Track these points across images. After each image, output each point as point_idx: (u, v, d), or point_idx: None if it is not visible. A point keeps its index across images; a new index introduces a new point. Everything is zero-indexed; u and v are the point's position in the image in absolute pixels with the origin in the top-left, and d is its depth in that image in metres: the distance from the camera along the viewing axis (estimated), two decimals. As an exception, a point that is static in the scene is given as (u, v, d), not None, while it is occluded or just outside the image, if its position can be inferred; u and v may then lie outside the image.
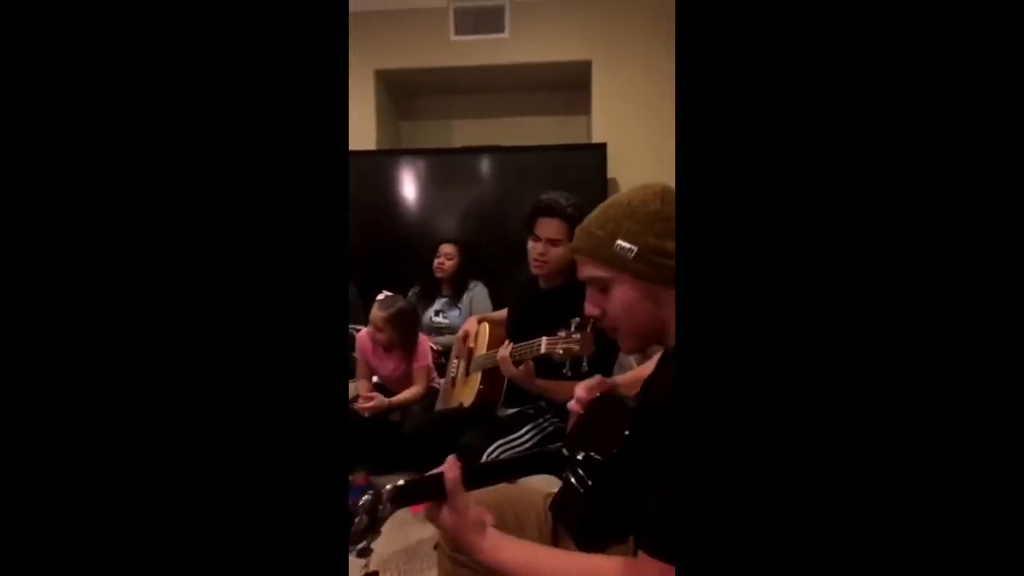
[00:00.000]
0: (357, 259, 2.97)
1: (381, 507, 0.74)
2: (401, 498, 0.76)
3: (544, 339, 1.30)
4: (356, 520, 0.72)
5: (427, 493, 0.81)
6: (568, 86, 3.31)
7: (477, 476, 0.81)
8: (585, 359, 1.24)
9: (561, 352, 1.24)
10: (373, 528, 0.74)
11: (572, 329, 1.25)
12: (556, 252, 1.45)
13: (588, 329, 1.22)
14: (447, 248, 2.53)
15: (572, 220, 1.43)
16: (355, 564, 0.72)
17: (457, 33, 3.13)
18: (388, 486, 0.76)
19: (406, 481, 0.77)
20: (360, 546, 0.73)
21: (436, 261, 2.51)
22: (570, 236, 1.45)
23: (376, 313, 2.05)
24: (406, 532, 1.52)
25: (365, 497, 0.75)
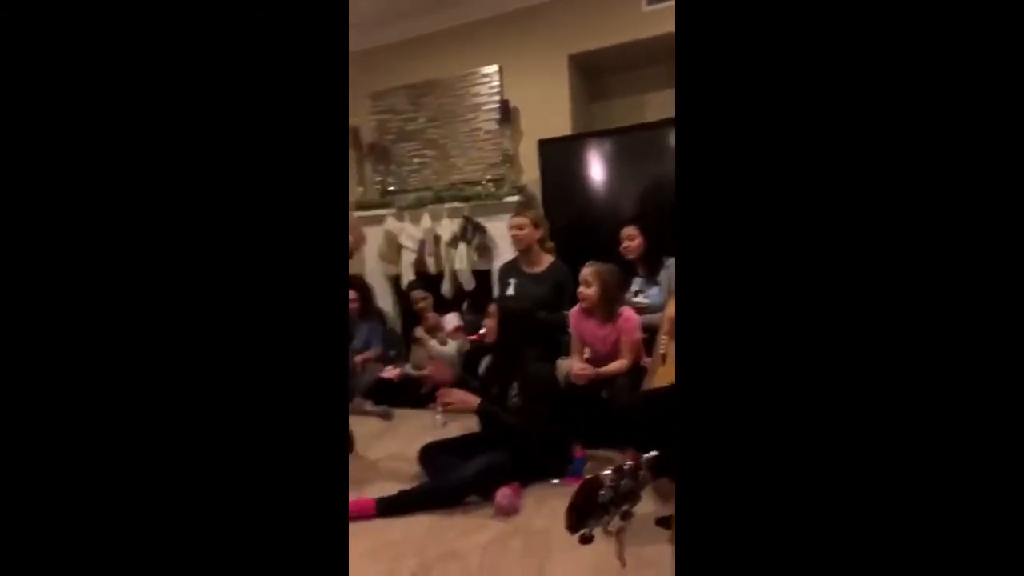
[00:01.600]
0: (559, 243, 3.10)
1: (641, 473, 0.79)
2: (658, 468, 0.80)
3: None
4: (612, 486, 0.78)
5: None
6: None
7: None
8: None
9: None
10: (636, 491, 0.79)
11: None
12: None
13: None
14: (628, 230, 2.53)
15: None
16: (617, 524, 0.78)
17: (650, 3, 3.03)
18: (646, 455, 0.80)
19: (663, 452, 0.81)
20: (623, 509, 0.79)
21: (621, 245, 2.53)
22: None
23: (584, 270, 2.17)
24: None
25: (628, 464, 0.80)
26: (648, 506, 1.57)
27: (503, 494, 1.70)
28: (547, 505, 1.72)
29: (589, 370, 2.07)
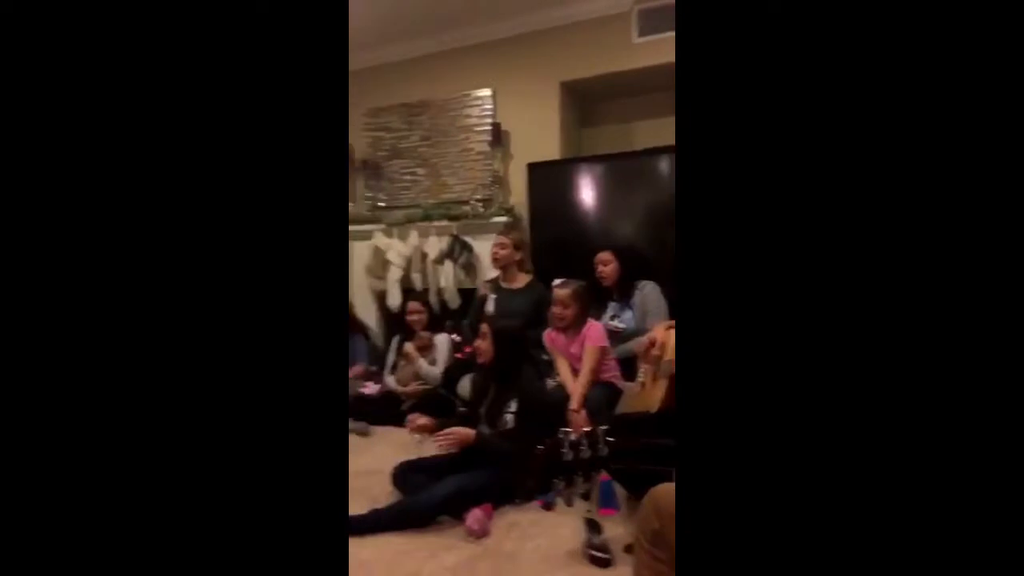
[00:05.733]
0: (539, 267, 3.14)
1: (600, 445, 0.88)
2: (617, 452, 0.89)
3: None
4: (572, 448, 0.84)
5: None
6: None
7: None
8: None
9: None
10: (595, 462, 0.88)
11: None
12: None
13: None
14: (603, 255, 2.60)
15: None
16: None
17: (640, 35, 3.12)
18: (602, 427, 0.86)
19: None
20: (585, 475, 0.87)
21: (597, 270, 2.59)
22: None
23: (559, 292, 2.24)
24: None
25: (585, 430, 0.88)
26: (616, 529, 1.58)
27: (474, 516, 1.70)
28: (518, 528, 1.73)
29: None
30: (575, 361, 2.26)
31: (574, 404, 2.09)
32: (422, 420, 2.02)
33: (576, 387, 2.15)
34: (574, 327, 2.25)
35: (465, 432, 1.90)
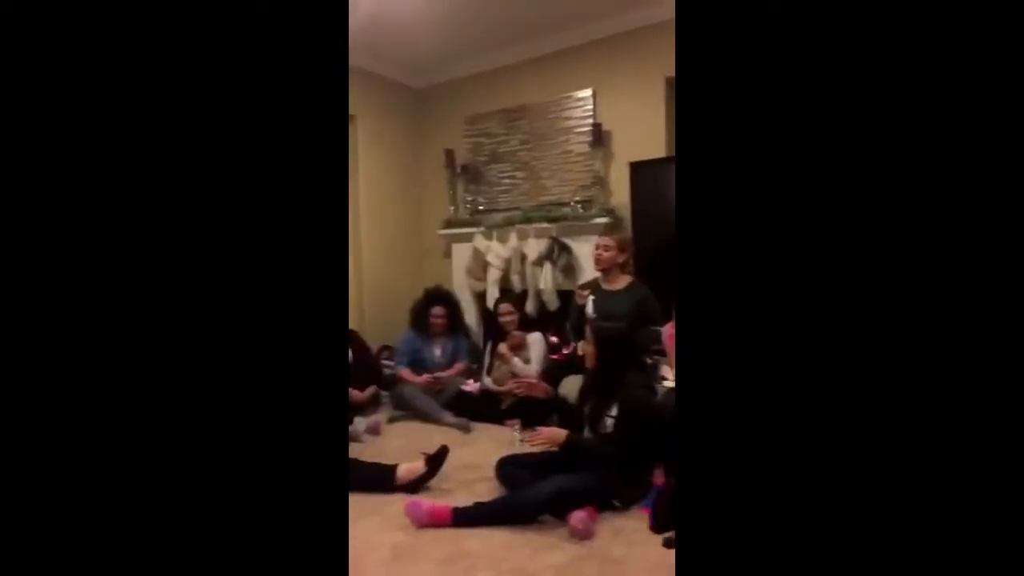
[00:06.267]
0: (647, 265, 3.05)
1: None
2: None
3: None
4: None
5: None
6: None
7: None
8: None
9: None
10: None
11: None
12: None
13: None
14: None
15: None
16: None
17: (753, 24, 2.95)
18: None
19: None
20: None
21: None
22: None
23: None
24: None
25: None
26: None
27: (578, 517, 1.67)
28: (623, 534, 1.67)
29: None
30: None
31: None
32: (543, 434, 1.92)
33: None
34: None
35: (556, 432, 1.87)
